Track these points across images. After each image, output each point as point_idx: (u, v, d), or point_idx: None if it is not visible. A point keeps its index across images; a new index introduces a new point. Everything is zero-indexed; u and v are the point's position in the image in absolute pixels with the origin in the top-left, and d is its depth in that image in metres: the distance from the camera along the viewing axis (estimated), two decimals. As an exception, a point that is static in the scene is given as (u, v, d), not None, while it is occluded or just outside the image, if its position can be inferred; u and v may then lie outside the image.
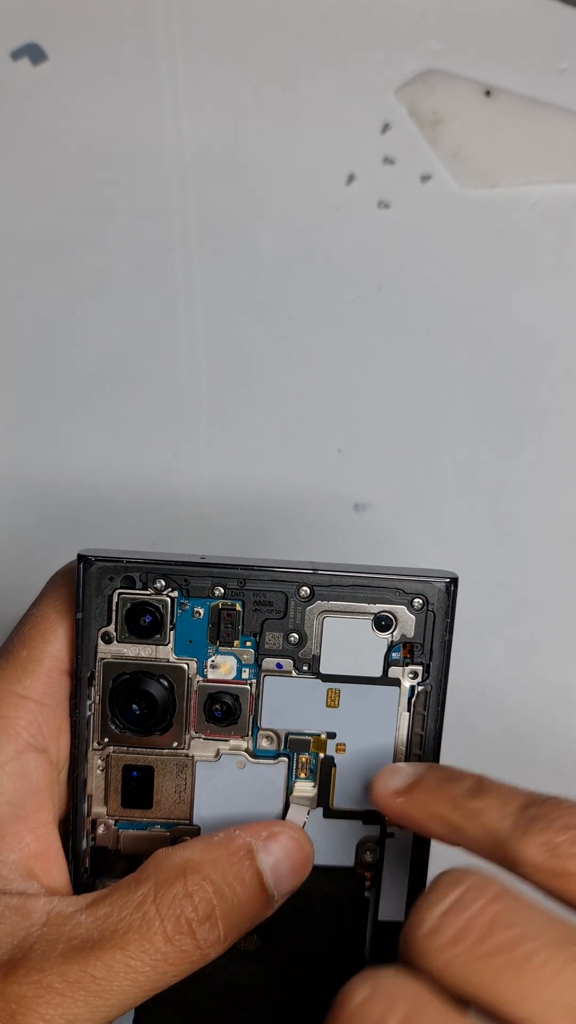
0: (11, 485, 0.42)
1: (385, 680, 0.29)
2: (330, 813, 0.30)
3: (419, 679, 0.29)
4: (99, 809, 0.30)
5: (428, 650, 0.29)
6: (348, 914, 0.31)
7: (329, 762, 0.30)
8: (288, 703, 0.29)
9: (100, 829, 0.30)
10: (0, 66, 0.40)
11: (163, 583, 0.28)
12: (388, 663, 0.29)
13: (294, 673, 0.29)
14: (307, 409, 0.42)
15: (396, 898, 0.31)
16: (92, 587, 0.28)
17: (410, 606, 0.28)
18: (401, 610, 0.28)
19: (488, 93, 0.40)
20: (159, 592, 0.28)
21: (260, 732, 0.30)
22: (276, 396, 0.42)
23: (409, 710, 0.29)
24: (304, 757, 0.30)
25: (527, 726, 0.43)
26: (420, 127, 0.40)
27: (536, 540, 0.43)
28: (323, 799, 0.30)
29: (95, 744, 0.29)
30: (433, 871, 0.31)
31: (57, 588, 0.29)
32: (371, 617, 0.28)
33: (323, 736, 0.30)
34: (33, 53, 0.39)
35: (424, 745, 0.29)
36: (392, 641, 0.29)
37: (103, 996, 0.25)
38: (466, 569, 0.41)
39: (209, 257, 0.41)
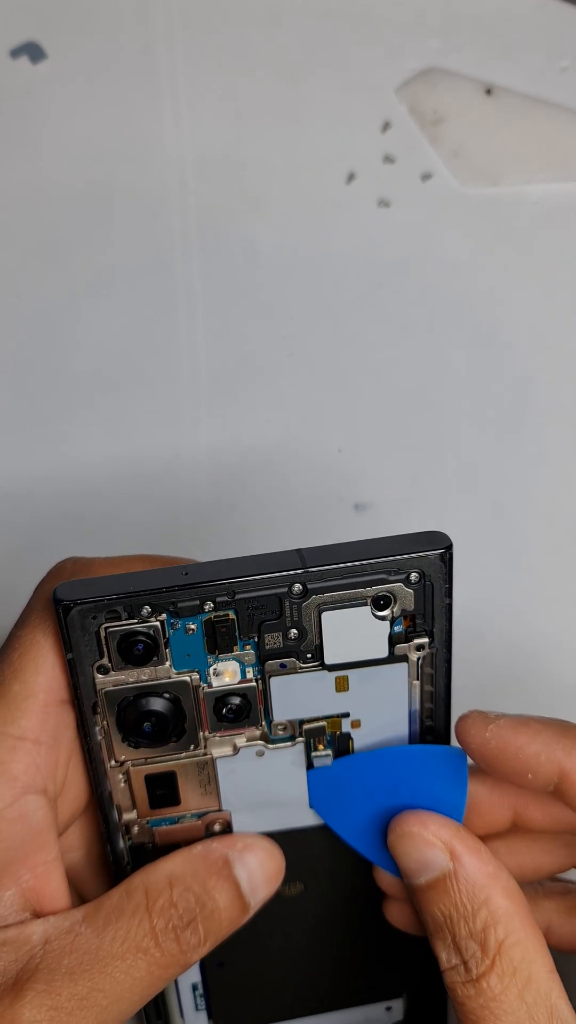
0: (10, 485, 0.42)
1: (392, 659, 0.29)
2: None
3: (424, 648, 0.29)
4: (129, 816, 0.30)
5: (430, 616, 0.28)
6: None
7: (346, 736, 0.30)
8: (298, 697, 0.29)
9: (135, 830, 0.30)
10: (-1, 64, 0.40)
11: (149, 610, 0.27)
12: (392, 640, 0.28)
13: (300, 668, 0.29)
14: (307, 409, 0.42)
15: None
16: (77, 628, 0.27)
17: (407, 582, 0.28)
18: (398, 587, 0.28)
19: (489, 91, 0.40)
20: (146, 619, 0.27)
21: (274, 724, 0.29)
22: (276, 396, 0.42)
23: (418, 677, 0.29)
24: (320, 737, 0.30)
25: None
26: (421, 125, 0.40)
27: (538, 540, 0.43)
28: None
29: (112, 763, 0.29)
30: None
31: (44, 607, 0.28)
32: (368, 600, 0.28)
33: (337, 717, 0.30)
34: (32, 51, 0.39)
35: (435, 704, 0.29)
36: (393, 617, 0.28)
37: (110, 1009, 0.26)
38: (467, 569, 0.41)
39: (209, 256, 0.41)
